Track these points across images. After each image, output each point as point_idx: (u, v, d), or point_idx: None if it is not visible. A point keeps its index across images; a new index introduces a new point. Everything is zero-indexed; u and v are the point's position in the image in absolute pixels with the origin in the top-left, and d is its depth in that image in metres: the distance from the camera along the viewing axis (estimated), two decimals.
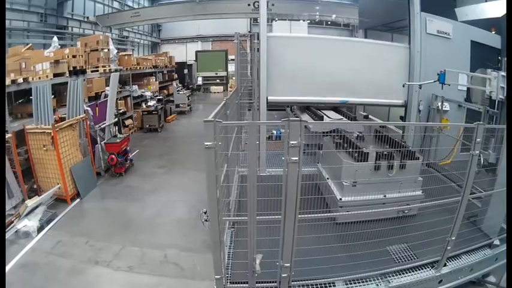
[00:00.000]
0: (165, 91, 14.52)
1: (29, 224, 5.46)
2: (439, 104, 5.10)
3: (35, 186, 6.56)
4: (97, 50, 9.14)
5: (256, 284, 2.37)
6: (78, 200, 6.48)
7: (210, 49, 22.95)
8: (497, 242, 3.33)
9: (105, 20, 15.28)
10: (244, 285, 2.36)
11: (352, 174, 3.49)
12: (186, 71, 18.83)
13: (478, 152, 2.61)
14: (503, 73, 3.61)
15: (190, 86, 18.50)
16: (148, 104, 11.45)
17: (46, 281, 4.21)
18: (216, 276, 2.25)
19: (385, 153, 3.63)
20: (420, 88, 4.93)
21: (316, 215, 2.44)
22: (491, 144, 3.81)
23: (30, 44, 8.05)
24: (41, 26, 12.30)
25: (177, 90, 13.92)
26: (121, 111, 9.84)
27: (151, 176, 7.72)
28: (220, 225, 2.06)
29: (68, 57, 7.78)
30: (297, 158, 1.83)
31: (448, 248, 2.79)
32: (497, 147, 3.55)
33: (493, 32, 6.02)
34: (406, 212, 3.40)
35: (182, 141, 10.76)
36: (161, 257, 4.52)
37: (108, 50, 9.42)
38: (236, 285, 2.43)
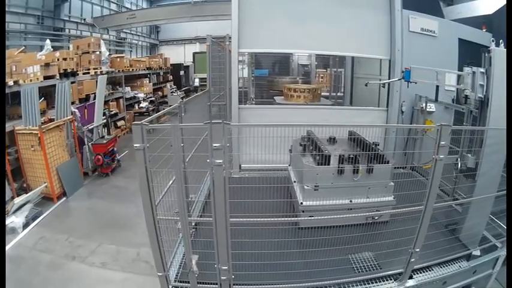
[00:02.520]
0: (160, 93, 14.72)
1: (16, 220, 5.70)
2: (423, 104, 4.83)
3: (24, 185, 6.80)
4: (88, 52, 9.36)
5: (200, 285, 2.42)
6: (64, 198, 6.71)
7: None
8: (477, 252, 3.09)
9: (101, 21, 15.51)
10: (188, 284, 2.42)
11: (314, 177, 3.36)
12: (182, 72, 19.01)
13: (442, 156, 2.43)
14: (482, 69, 3.21)
15: (187, 87, 18.68)
16: (141, 105, 11.66)
17: (28, 274, 4.46)
18: (159, 274, 2.37)
19: (351, 156, 3.39)
20: (384, 87, 4.78)
21: (252, 219, 2.44)
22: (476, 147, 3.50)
23: (23, 47, 8.32)
24: (38, 28, 12.57)
25: (171, 92, 14.12)
26: (112, 112, 10.06)
27: (138, 176, 7.89)
28: (156, 223, 2.20)
29: (58, 60, 8.00)
30: (221, 161, 1.96)
31: (412, 260, 2.61)
32: (476, 151, 3.22)
33: (484, 30, 5.93)
34: (376, 218, 3.23)
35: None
36: (134, 255, 4.71)
37: (100, 52, 9.63)
38: (184, 284, 2.49)
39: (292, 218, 3.12)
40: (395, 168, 4.56)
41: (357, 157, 3.42)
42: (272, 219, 2.63)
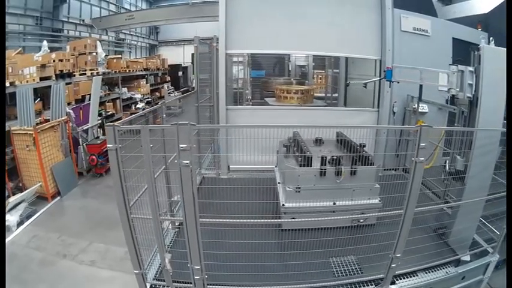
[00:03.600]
0: (157, 93, 14.84)
1: (10, 219, 5.83)
2: (415, 105, 4.69)
3: (20, 185, 6.92)
4: (85, 53, 9.48)
5: (177, 283, 2.49)
6: (58, 198, 6.82)
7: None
8: (466, 258, 3.01)
9: (99, 22, 15.63)
10: (160, 282, 2.52)
11: (295, 179, 3.33)
12: (180, 73, 19.12)
13: (422, 158, 2.34)
14: (471, 68, 3.08)
15: (185, 88, 18.79)
16: (138, 106, 11.79)
17: (20, 271, 4.59)
18: (135, 271, 2.45)
19: (334, 157, 3.33)
20: (365, 87, 4.73)
21: (225, 220, 2.50)
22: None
23: (20, 49, 8.45)
24: (37, 29, 12.70)
25: (168, 93, 14.25)
26: (109, 113, 10.17)
27: (132, 176, 8.00)
28: (130, 222, 2.29)
29: (54, 61, 8.13)
30: (188, 162, 2.04)
31: (393, 265, 2.53)
32: (466, 153, 3.09)
33: (479, 29, 5.91)
34: (361, 221, 3.19)
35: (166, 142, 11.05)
36: (122, 253, 4.79)
37: (96, 53, 9.74)
38: (161, 282, 2.56)
39: (269, 220, 3.08)
40: (386, 169, 4.53)
41: (339, 159, 3.34)
42: (247, 220, 2.58)
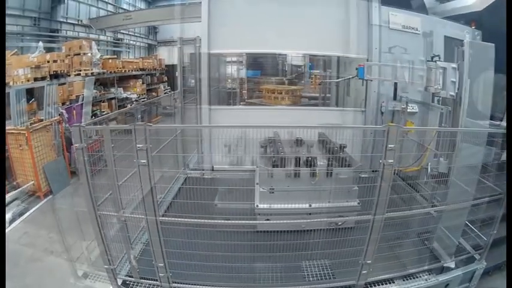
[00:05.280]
0: (154, 93, 14.98)
1: None
2: (404, 105, 4.59)
3: (14, 183, 7.07)
4: (79, 54, 9.62)
5: (145, 280, 2.60)
6: (50, 196, 6.96)
7: None
8: (451, 264, 2.90)
9: (95, 23, 15.75)
10: (132, 278, 2.66)
11: (269, 180, 3.33)
12: (178, 73, 19.18)
13: (391, 160, 2.26)
14: (454, 65, 2.95)
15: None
16: (133, 106, 11.92)
17: (10, 267, 4.68)
18: (105, 266, 2.57)
19: (309, 158, 3.32)
20: (337, 85, 4.82)
21: (185, 219, 2.53)
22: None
23: (15, 50, 8.61)
24: (34, 30, 12.84)
25: (164, 93, 14.36)
26: (104, 113, 10.30)
27: (123, 175, 8.12)
28: (98, 219, 2.40)
29: (48, 62, 8.27)
30: (145, 161, 2.14)
31: (364, 271, 2.48)
32: (449, 155, 2.99)
33: (473, 27, 5.89)
34: (339, 224, 3.04)
35: (158, 141, 11.13)
36: None
37: (91, 54, 9.88)
38: (132, 278, 2.69)
39: (239, 221, 2.98)
40: (374, 171, 4.67)
41: (314, 160, 3.31)
42: (215, 221, 2.63)
